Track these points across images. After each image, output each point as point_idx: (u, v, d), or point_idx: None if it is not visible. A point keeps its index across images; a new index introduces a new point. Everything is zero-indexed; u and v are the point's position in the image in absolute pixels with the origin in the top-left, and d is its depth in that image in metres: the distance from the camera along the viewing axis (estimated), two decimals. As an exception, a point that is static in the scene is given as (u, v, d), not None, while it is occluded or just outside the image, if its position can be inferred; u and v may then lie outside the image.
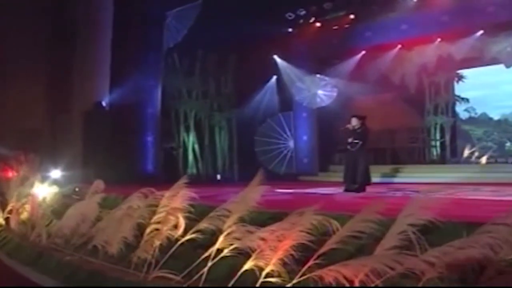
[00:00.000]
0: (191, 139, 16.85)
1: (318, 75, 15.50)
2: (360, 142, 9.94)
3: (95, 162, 12.45)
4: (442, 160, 17.11)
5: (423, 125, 17.50)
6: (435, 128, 17.36)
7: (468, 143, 17.00)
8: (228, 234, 4.12)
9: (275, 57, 16.43)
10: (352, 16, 15.23)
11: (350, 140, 10.02)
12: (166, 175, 14.17)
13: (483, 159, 16.21)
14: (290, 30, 16.24)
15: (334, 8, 15.24)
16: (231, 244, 4.01)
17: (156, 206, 4.90)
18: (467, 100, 16.98)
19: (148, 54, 14.78)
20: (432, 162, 17.14)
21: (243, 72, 15.14)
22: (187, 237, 4.49)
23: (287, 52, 15.70)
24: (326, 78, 15.43)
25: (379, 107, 17.05)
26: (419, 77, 17.00)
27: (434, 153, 17.49)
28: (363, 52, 16.58)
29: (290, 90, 16.44)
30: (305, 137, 17.07)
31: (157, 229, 4.64)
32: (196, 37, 14.25)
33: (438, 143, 17.36)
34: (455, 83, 17.22)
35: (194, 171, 16.76)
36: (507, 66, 15.81)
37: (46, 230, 6.17)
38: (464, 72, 16.88)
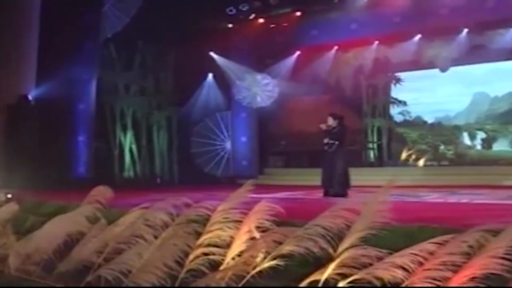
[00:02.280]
0: (128, 139, 16.21)
1: (259, 74, 15.48)
2: (337, 143, 9.84)
3: (18, 165, 11.63)
4: (379, 162, 17.67)
5: (360, 128, 17.98)
6: (373, 131, 17.90)
7: (403, 146, 17.67)
8: (343, 259, 3.02)
9: (212, 54, 16.17)
10: (298, 14, 15.30)
11: (326, 140, 9.92)
12: (100, 179, 13.62)
13: (421, 162, 16.93)
14: (230, 25, 16.06)
15: (280, 4, 15.23)
16: (344, 274, 2.91)
17: (197, 222, 3.77)
18: (404, 103, 17.60)
19: (82, 43, 14.04)
20: (370, 164, 17.65)
21: (184, 67, 14.84)
22: (267, 263, 3.22)
23: (228, 48, 15.55)
24: (268, 77, 15.43)
25: (317, 109, 17.32)
26: (356, 79, 17.44)
27: (372, 155, 18.04)
28: (299, 52, 16.74)
29: (229, 89, 16.33)
30: (244, 139, 16.90)
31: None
32: (136, 28, 13.67)
33: (375, 146, 17.92)
34: (392, 86, 17.87)
35: (131, 174, 16.17)
36: (443, 71, 16.56)
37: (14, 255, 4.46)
38: (401, 75, 17.54)
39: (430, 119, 17.64)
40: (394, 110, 18.04)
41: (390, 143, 17.78)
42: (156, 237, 3.41)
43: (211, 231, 3.36)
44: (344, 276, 2.86)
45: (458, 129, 17.10)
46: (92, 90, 14.84)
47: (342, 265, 2.84)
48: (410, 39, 15.86)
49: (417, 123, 17.89)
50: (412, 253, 2.82)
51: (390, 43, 16.40)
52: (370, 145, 18.05)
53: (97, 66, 14.91)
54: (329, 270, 2.87)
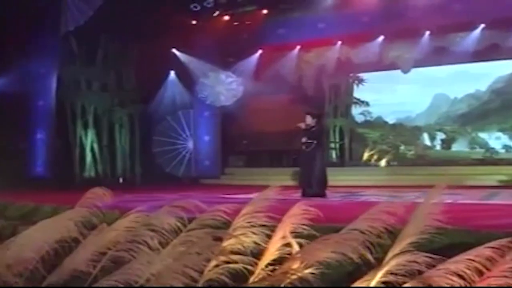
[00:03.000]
0: (89, 137, 15.54)
1: (223, 72, 15.31)
2: (315, 142, 9.74)
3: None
4: (341, 163, 17.82)
5: (323, 127, 18.04)
6: (334, 131, 18.03)
7: (364, 146, 17.90)
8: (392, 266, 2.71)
9: (175, 51, 15.86)
10: (264, 12, 15.21)
11: (304, 140, 9.79)
12: (59, 179, 13.14)
13: (382, 162, 17.19)
14: (194, 22, 15.77)
15: (246, 2, 15.11)
16: (390, 282, 2.63)
17: (213, 227, 3.46)
18: (367, 103, 17.78)
19: (42, 35, 13.29)
20: (332, 165, 17.73)
21: (147, 64, 14.49)
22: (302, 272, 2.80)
23: (192, 45, 15.26)
24: (232, 75, 15.28)
25: (279, 108, 17.34)
26: (319, 79, 17.52)
27: (334, 155, 18.17)
28: (261, 50, 16.70)
29: (192, 87, 16.05)
30: (206, 138, 16.65)
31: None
32: (99, 22, 13.19)
33: (337, 146, 18.07)
34: (355, 86, 18.05)
35: (93, 173, 15.56)
36: (405, 72, 16.84)
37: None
38: (364, 75, 17.74)
39: (391, 120, 17.90)
40: (356, 110, 18.23)
41: (351, 143, 17.96)
42: (161, 244, 3.15)
43: (233, 237, 3.02)
44: (392, 284, 2.59)
45: (418, 129, 17.45)
46: (52, 86, 14.21)
47: (390, 273, 2.58)
48: (373, 40, 16.03)
49: (378, 124, 18.13)
50: (468, 259, 2.59)
51: (353, 44, 16.56)
52: (332, 145, 18.18)
53: (57, 60, 14.31)
54: (377, 278, 2.59)
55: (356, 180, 14.81)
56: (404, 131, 17.70)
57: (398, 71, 16.76)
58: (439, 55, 15.43)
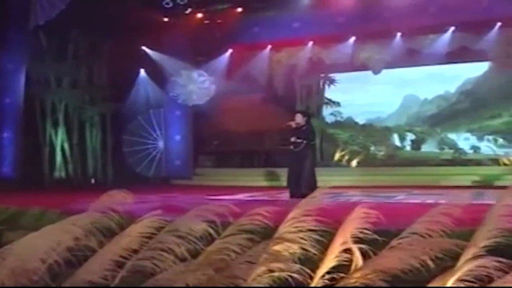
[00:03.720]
0: (59, 136, 15.03)
1: (196, 70, 15.08)
2: (305, 141, 9.57)
3: None
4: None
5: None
6: (306, 131, 18.03)
7: (334, 146, 17.98)
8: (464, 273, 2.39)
9: (147, 48, 15.49)
10: (239, 10, 15.05)
11: (293, 139, 9.61)
12: (28, 180, 12.62)
13: (354, 163, 17.30)
14: (166, 19, 15.46)
15: (220, -1, 15.01)
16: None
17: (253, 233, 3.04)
18: (338, 103, 17.85)
19: (9, 29, 12.93)
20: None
21: (119, 61, 14.13)
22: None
23: (164, 43, 14.98)
24: (205, 74, 15.06)
25: (250, 108, 17.25)
26: (290, 79, 17.50)
27: (305, 156, 18.17)
28: (232, 49, 16.58)
29: (163, 85, 15.75)
30: (178, 137, 16.33)
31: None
32: (69, 15, 12.70)
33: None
34: (326, 87, 18.12)
35: (63, 174, 15.05)
36: (375, 73, 16.99)
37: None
38: (335, 76, 17.82)
39: (361, 120, 18.02)
40: (326, 111, 18.29)
41: (322, 144, 17.99)
42: (190, 251, 2.87)
43: (278, 243, 2.69)
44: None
45: (388, 130, 17.62)
46: (21, 82, 13.72)
47: (462, 279, 2.30)
48: (345, 41, 16.11)
49: (349, 124, 18.23)
50: None
51: (325, 44, 16.61)
52: (304, 146, 18.18)
53: (26, 56, 13.83)
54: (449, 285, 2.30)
55: (327, 180, 14.78)
56: (374, 132, 17.85)
57: (369, 72, 16.92)
58: (410, 57, 15.65)
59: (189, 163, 16.49)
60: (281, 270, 2.30)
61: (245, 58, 16.88)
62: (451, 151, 16.54)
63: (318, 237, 2.59)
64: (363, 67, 16.71)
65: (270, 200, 9.36)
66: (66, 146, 15.18)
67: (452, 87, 16.83)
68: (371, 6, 14.34)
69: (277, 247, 2.53)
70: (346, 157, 17.42)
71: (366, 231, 2.57)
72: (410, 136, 17.37)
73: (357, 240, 2.50)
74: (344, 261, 2.47)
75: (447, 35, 15.16)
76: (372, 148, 17.82)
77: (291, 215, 2.84)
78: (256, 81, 17.01)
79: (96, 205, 3.32)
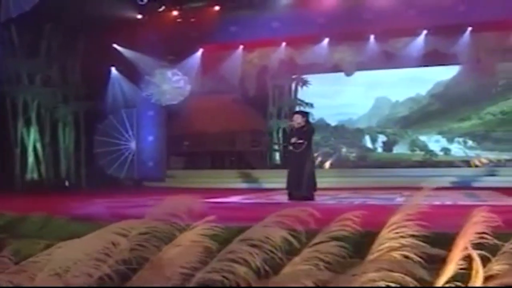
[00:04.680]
0: (32, 136, 14.31)
1: (170, 70, 14.73)
2: (306, 142, 9.32)
3: None
4: (284, 165, 17.73)
5: (266, 129, 18.00)
6: (278, 132, 17.98)
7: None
8: None
9: (119, 46, 15.04)
10: (216, 8, 14.80)
11: (293, 140, 9.32)
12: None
13: (327, 164, 17.31)
14: (139, 16, 15.07)
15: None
16: None
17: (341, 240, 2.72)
18: (311, 105, 17.82)
19: None
20: (275, 166, 17.70)
21: (94, 58, 13.63)
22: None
23: (137, 41, 14.57)
24: (179, 73, 14.74)
25: (221, 109, 17.06)
26: (263, 79, 17.38)
27: (277, 157, 18.12)
28: (203, 49, 16.32)
29: (137, 84, 15.31)
30: (151, 138, 15.95)
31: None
32: (43, 9, 12.07)
33: (281, 147, 18.01)
34: (299, 88, 18.10)
35: (35, 175, 14.35)
36: (348, 75, 17.06)
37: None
38: (308, 77, 17.82)
39: (333, 122, 18.08)
40: (298, 112, 18.27)
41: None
42: (265, 261, 2.57)
43: (380, 250, 2.48)
44: None
45: (360, 132, 17.73)
46: (-10, 79, 12.98)
47: None
48: (318, 42, 16.10)
49: (320, 126, 18.20)
50: None
51: (298, 45, 16.56)
52: (276, 147, 18.13)
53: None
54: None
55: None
56: (346, 134, 17.95)
57: (342, 74, 16.99)
58: (383, 59, 15.72)
59: (162, 165, 16.08)
60: (383, 279, 2.06)
61: (217, 58, 16.65)
62: (422, 152, 16.78)
63: (420, 243, 2.40)
64: (335, 69, 16.76)
65: (290, 203, 9.06)
66: (38, 146, 14.51)
67: (423, 90, 17.09)
68: (345, 9, 14.31)
69: (377, 255, 2.33)
70: (319, 159, 17.41)
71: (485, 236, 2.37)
72: (381, 138, 17.52)
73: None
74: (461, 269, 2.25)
75: (420, 39, 15.31)
76: (344, 149, 17.90)
77: (392, 220, 2.62)
78: (228, 81, 16.78)
79: (156, 210, 3.03)
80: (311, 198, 9.05)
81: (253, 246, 2.52)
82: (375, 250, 2.41)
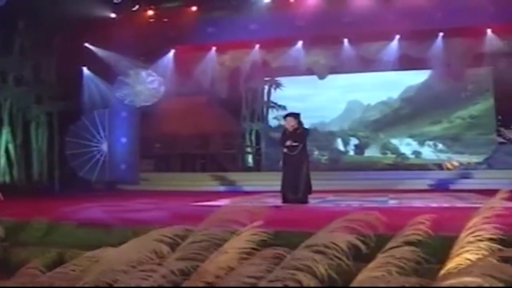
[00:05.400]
0: (4, 137, 13.72)
1: (144, 70, 14.41)
2: (301, 145, 9.22)
3: None
4: (257, 167, 17.72)
5: (239, 131, 17.87)
6: (251, 135, 17.89)
7: (278, 150, 17.89)
8: None
9: (92, 46, 14.58)
10: (194, 9, 14.53)
11: (288, 143, 9.18)
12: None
13: (300, 166, 17.28)
14: (113, 15, 14.63)
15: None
16: None
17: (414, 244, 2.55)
18: (284, 107, 17.77)
19: None
20: (248, 169, 17.61)
21: (68, 57, 13.17)
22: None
23: (111, 40, 14.16)
24: (154, 74, 14.43)
25: (193, 111, 16.86)
26: (236, 82, 17.25)
27: (250, 160, 18.01)
28: (176, 49, 16.08)
29: (110, 84, 14.89)
30: (124, 140, 15.49)
31: None
32: (16, 5, 11.55)
33: (254, 150, 17.93)
34: (273, 90, 18.05)
35: (7, 178, 13.74)
36: (320, 78, 17.12)
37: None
38: (281, 80, 17.80)
39: (305, 125, 17.85)
40: (270, 115, 18.23)
41: (267, 148, 17.91)
42: (331, 267, 2.36)
43: (458, 255, 2.30)
44: None
45: (332, 135, 17.78)
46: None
47: None
48: (292, 45, 16.09)
49: (293, 129, 18.20)
50: None
51: (272, 48, 16.52)
52: (249, 150, 18.01)
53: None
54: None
55: (274, 185, 14.67)
56: (318, 136, 17.93)
57: (315, 77, 17.04)
58: (355, 63, 15.81)
59: (136, 167, 15.63)
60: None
61: (190, 59, 16.46)
62: (394, 155, 16.96)
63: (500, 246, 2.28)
64: (309, 72, 16.80)
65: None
66: (11, 147, 13.91)
67: (395, 94, 17.26)
68: (320, 13, 14.31)
69: (457, 260, 2.22)
70: (292, 161, 17.41)
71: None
72: (353, 141, 17.60)
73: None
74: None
75: (393, 44, 15.50)
76: (316, 152, 17.89)
77: (470, 223, 2.50)
78: (201, 83, 16.59)
79: (215, 216, 2.85)
80: (306, 201, 8.96)
81: (317, 252, 2.40)
82: (454, 254, 2.31)
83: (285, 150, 9.27)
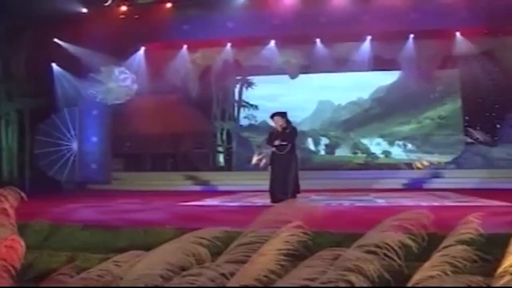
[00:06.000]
0: None
1: (117, 67, 14.02)
2: (290, 144, 9.09)
3: None
4: (228, 166, 17.57)
5: (210, 130, 17.67)
6: (222, 134, 17.72)
7: (249, 150, 17.83)
8: None
9: (63, 42, 14.06)
10: (168, 5, 14.22)
11: (277, 142, 9.05)
12: None
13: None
14: (85, 10, 14.10)
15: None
16: None
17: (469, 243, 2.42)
18: (256, 106, 17.70)
19: None
20: (219, 168, 17.44)
21: (40, 53, 12.65)
22: None
23: (82, 36, 13.68)
24: (127, 71, 14.06)
25: (163, 109, 16.57)
26: (207, 80, 17.06)
27: (221, 159, 17.83)
28: (146, 47, 15.77)
29: (81, 81, 14.39)
30: (94, 139, 14.96)
31: None
32: None
33: (225, 149, 17.77)
34: (244, 90, 17.93)
35: None
36: (292, 77, 17.13)
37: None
38: (253, 79, 17.70)
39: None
40: (241, 114, 18.12)
41: (238, 147, 17.79)
42: (385, 267, 2.25)
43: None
44: None
45: (303, 134, 17.74)
46: None
47: None
48: (264, 44, 16.02)
49: (263, 128, 18.11)
50: None
51: (244, 47, 16.41)
52: (220, 149, 17.83)
53: None
54: None
55: (246, 184, 14.60)
56: (289, 136, 17.92)
57: (287, 76, 17.03)
58: (327, 63, 15.85)
59: (107, 167, 15.12)
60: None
61: (161, 57, 16.18)
62: (364, 155, 17.11)
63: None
64: (280, 71, 16.77)
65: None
66: (-21, 146, 13.12)
67: (365, 94, 17.42)
68: (294, 12, 14.28)
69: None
70: (264, 161, 17.32)
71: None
72: (324, 141, 17.67)
73: None
74: None
75: (364, 44, 15.63)
76: (287, 151, 17.87)
77: None
78: (172, 81, 16.31)
79: (266, 216, 2.70)
80: None
81: (368, 252, 2.34)
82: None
83: (273, 149, 9.15)
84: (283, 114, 9.49)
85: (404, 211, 2.58)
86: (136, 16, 14.24)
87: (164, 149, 17.48)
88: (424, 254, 2.55)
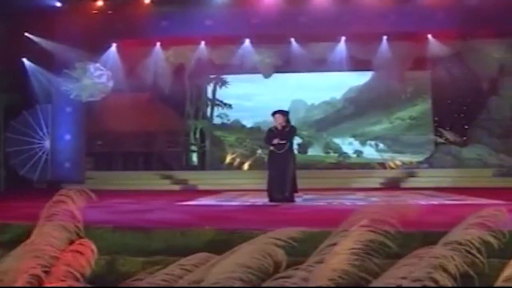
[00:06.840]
0: None
1: (92, 64, 13.54)
2: (288, 143, 8.95)
3: None
4: (202, 166, 17.35)
5: (183, 129, 17.40)
6: (195, 133, 17.48)
7: (222, 149, 17.68)
8: None
9: (33, 36, 13.53)
10: (147, 1, 13.83)
11: (276, 141, 8.86)
12: None
13: (245, 166, 17.12)
14: (59, 4, 13.58)
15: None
16: None
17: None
18: (230, 105, 17.55)
19: None
20: (193, 167, 17.20)
21: (12, 48, 12.06)
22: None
23: (56, 31, 13.15)
24: (102, 68, 13.61)
25: (136, 107, 16.21)
26: (180, 79, 16.79)
27: (194, 158, 17.59)
28: (116, 44, 15.34)
29: (54, 78, 13.84)
30: (68, 137, 14.36)
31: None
32: None
33: (198, 148, 17.54)
34: (218, 88, 17.74)
35: None
36: (265, 77, 17.03)
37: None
38: (227, 77, 17.53)
39: (249, 123, 17.93)
40: (214, 113, 17.94)
41: (211, 146, 17.60)
42: (474, 267, 2.16)
43: None
44: None
45: (276, 134, 17.72)
46: None
47: None
48: (239, 43, 15.87)
49: (235, 127, 18.04)
50: None
51: (218, 45, 16.20)
52: (193, 147, 17.59)
53: None
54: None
55: (220, 184, 14.45)
56: (262, 135, 17.72)
57: (260, 76, 16.92)
58: (301, 63, 15.81)
59: (81, 166, 14.58)
60: None
61: (133, 54, 15.76)
62: (336, 155, 17.22)
63: None
64: (254, 70, 16.64)
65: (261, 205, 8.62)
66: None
67: (338, 94, 17.53)
68: (269, 12, 14.19)
69: None
70: (238, 160, 17.22)
71: None
72: (297, 140, 17.63)
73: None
74: None
75: (339, 45, 15.67)
76: (259, 151, 17.80)
77: None
78: (145, 79, 15.95)
79: (357, 216, 2.56)
80: (292, 200, 8.78)
81: (451, 249, 2.28)
82: None
83: (272, 148, 9.02)
84: (284, 112, 9.41)
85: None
86: (110, 12, 13.79)
87: (137, 148, 17.12)
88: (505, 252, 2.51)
